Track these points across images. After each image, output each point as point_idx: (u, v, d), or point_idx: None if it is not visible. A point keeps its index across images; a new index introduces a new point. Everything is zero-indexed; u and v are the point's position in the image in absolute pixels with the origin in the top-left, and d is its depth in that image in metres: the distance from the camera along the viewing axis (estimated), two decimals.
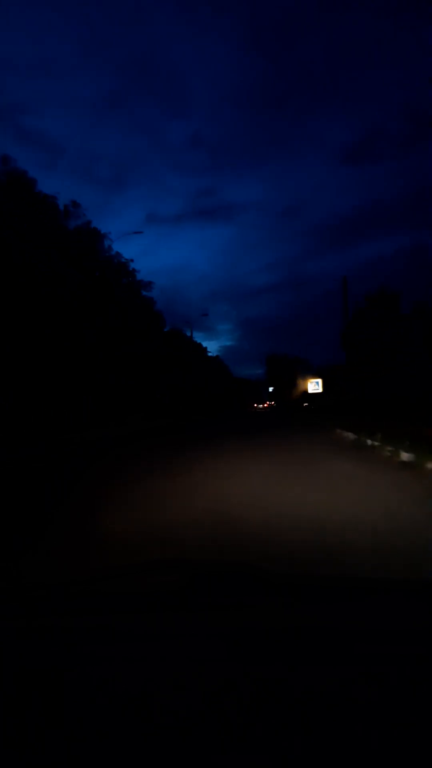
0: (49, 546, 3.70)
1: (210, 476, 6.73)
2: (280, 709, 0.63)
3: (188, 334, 48.44)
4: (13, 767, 0.57)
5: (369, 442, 10.10)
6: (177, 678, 0.72)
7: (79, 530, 4.13)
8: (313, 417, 27.26)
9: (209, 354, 72.71)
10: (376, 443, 9.59)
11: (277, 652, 0.79)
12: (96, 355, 23.61)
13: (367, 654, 0.77)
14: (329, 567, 2.87)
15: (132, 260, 34.20)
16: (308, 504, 4.70)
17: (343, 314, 24.41)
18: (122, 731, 0.60)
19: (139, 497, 5.46)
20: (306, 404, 50.42)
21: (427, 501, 4.86)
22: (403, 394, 22.90)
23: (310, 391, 40.43)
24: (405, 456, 7.59)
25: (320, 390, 39.08)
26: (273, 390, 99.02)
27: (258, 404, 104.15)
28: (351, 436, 12.33)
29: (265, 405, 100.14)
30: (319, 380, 39.58)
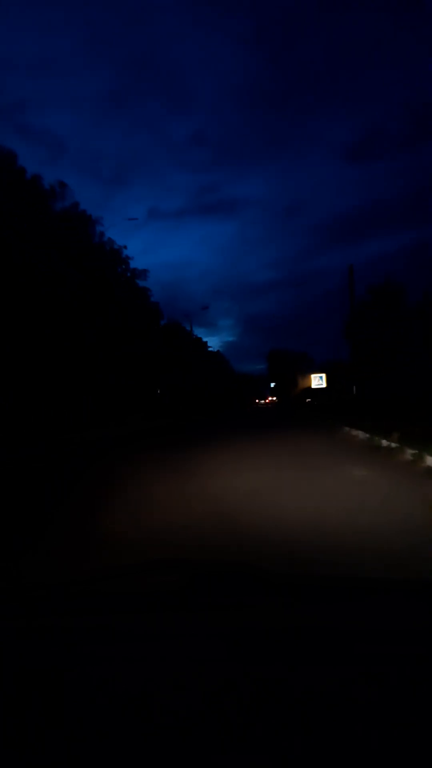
0: (49, 546, 3.70)
1: (210, 477, 6.72)
2: (280, 709, 0.63)
3: (188, 328, 46.92)
4: (13, 767, 0.57)
5: (384, 443, 8.97)
6: (177, 678, 0.72)
7: (79, 530, 4.14)
8: (316, 414, 25.78)
9: (210, 349, 71.03)
10: (393, 445, 8.49)
11: (277, 652, 0.79)
12: (96, 355, 23.60)
13: (367, 654, 0.77)
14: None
15: (125, 247, 31.56)
16: (324, 525, 3.71)
17: (350, 305, 23.20)
18: (122, 731, 0.60)
19: (139, 497, 5.46)
20: (309, 400, 49.47)
21: None
22: (409, 391, 22.18)
23: (313, 386, 38.68)
24: None
25: (324, 385, 37.30)
26: (275, 386, 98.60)
27: (260, 400, 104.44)
28: (362, 435, 11.15)
29: (268, 401, 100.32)
30: (323, 375, 37.77)
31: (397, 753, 0.56)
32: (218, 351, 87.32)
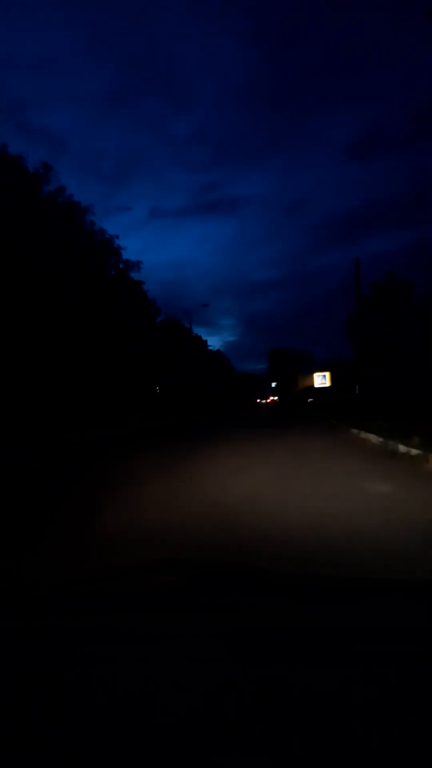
0: (49, 546, 3.70)
1: (209, 481, 6.72)
2: (280, 709, 0.63)
3: (187, 325, 45.40)
4: (13, 767, 0.57)
5: (402, 448, 7.72)
6: (177, 678, 0.72)
7: (79, 530, 4.13)
8: (320, 414, 24.73)
9: (210, 348, 69.73)
10: (413, 451, 7.23)
11: (277, 652, 0.79)
12: (96, 355, 23.60)
13: (367, 654, 0.77)
14: None
15: (117, 236, 29.33)
16: (342, 558, 2.94)
17: (355, 301, 22.04)
18: (122, 731, 0.60)
19: (139, 497, 5.46)
20: (311, 400, 48.03)
21: None
22: (414, 390, 21.30)
23: (316, 385, 36.63)
24: None
25: (328, 384, 35.46)
26: (276, 385, 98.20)
27: (261, 399, 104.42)
28: (373, 439, 9.94)
29: (269, 400, 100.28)
30: (327, 373, 35.78)
31: (397, 753, 0.56)
32: (218, 350, 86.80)
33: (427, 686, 0.68)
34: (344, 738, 0.58)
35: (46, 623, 0.96)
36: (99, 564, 3.12)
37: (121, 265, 30.48)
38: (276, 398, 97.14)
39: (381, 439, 9.29)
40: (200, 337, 62.57)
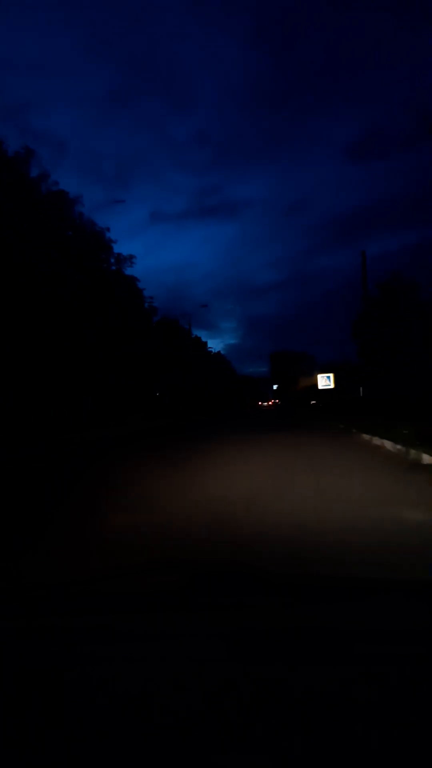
0: (49, 546, 3.70)
1: (209, 480, 6.73)
2: (280, 709, 0.63)
3: (186, 327, 44.45)
4: (13, 767, 0.57)
5: (428, 458, 6.76)
6: (177, 678, 0.72)
7: (79, 530, 4.14)
8: (324, 417, 23.50)
9: (210, 349, 69.18)
10: None
11: (277, 652, 0.79)
12: (96, 355, 23.60)
13: (367, 654, 0.77)
14: None
15: (108, 229, 27.21)
16: None
17: (362, 297, 21.05)
18: (122, 731, 0.60)
19: (139, 497, 5.46)
20: (314, 402, 47.28)
21: None
22: (420, 391, 20.19)
23: (320, 386, 35.04)
24: None
25: (332, 386, 34.04)
26: (278, 387, 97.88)
27: (263, 402, 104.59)
28: (388, 446, 8.83)
29: (270, 403, 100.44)
30: (331, 375, 34.36)
31: (397, 753, 0.56)
32: (219, 352, 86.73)
33: (427, 686, 0.68)
34: (344, 738, 0.58)
35: (46, 623, 0.96)
36: (99, 564, 3.12)
37: (112, 260, 28.61)
38: (277, 401, 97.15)
39: (398, 447, 8.20)
40: (200, 338, 62.20)
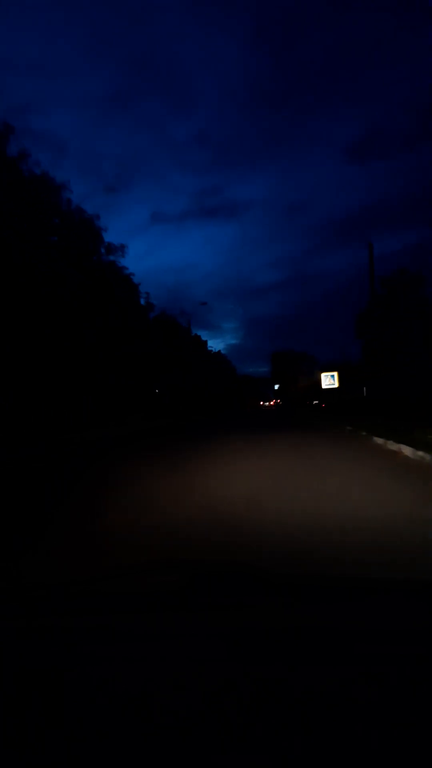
0: (49, 546, 3.70)
1: (210, 474, 6.72)
2: (280, 709, 0.63)
3: (185, 325, 43.18)
4: (13, 767, 0.57)
5: None
6: (177, 678, 0.72)
7: (79, 530, 4.14)
8: (328, 418, 22.34)
9: (210, 349, 67.89)
10: None
11: (277, 652, 0.79)
12: (96, 355, 23.58)
13: (367, 654, 0.77)
14: None
15: (98, 216, 25.28)
16: None
17: (369, 289, 19.90)
18: (122, 731, 0.60)
19: (139, 498, 5.46)
20: (316, 402, 46.06)
21: None
22: (428, 390, 19.40)
23: (324, 386, 33.49)
24: None
25: (336, 385, 32.60)
26: (279, 387, 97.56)
27: (264, 402, 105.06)
28: (406, 451, 7.76)
29: (272, 403, 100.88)
30: (335, 374, 32.96)
31: (397, 753, 0.56)
32: (219, 351, 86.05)
33: (427, 686, 0.68)
34: (344, 738, 0.58)
35: (46, 623, 0.96)
36: (99, 564, 3.12)
37: (102, 249, 26.41)
38: (279, 400, 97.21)
39: (420, 453, 7.21)
40: (200, 337, 61.00)
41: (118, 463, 9.38)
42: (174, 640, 0.86)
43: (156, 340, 33.45)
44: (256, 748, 0.57)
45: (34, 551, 3.57)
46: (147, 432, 19.03)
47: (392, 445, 8.77)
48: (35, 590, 1.23)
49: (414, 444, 7.96)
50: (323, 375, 33.64)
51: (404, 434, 9.36)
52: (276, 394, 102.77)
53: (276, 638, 0.84)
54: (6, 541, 4.01)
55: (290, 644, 0.82)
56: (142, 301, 32.98)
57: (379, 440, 9.78)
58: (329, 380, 32.98)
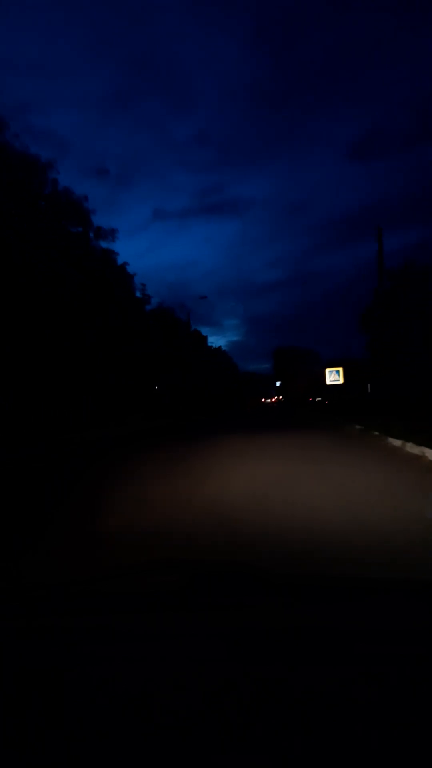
0: (49, 546, 3.70)
1: (210, 475, 6.72)
2: (280, 709, 0.63)
3: (184, 318, 41.92)
4: (13, 767, 0.57)
5: None
6: (177, 678, 0.72)
7: (79, 530, 4.14)
8: (334, 416, 21.08)
9: (210, 344, 66.27)
10: None
11: (277, 652, 0.79)
12: (96, 355, 23.56)
13: (367, 654, 0.77)
14: None
15: (86, 198, 23.45)
16: None
17: (378, 276, 18.78)
18: (122, 731, 0.60)
19: (139, 498, 5.46)
20: (319, 399, 44.79)
21: None
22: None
23: (328, 382, 31.79)
24: None
25: (341, 381, 31.06)
26: (281, 384, 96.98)
27: (266, 399, 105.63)
28: (431, 455, 6.96)
29: (273, 400, 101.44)
30: (340, 369, 31.48)
31: (397, 753, 0.56)
32: (219, 347, 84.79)
33: (427, 686, 0.68)
34: (344, 738, 0.58)
35: (46, 623, 0.96)
36: (99, 564, 3.12)
37: (91, 234, 24.72)
38: (281, 397, 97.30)
39: None
40: (200, 332, 58.50)
41: (118, 463, 9.38)
42: (174, 640, 0.86)
43: (156, 340, 33.33)
44: (256, 748, 0.57)
45: (34, 551, 3.57)
46: (147, 432, 19.03)
47: (413, 448, 7.65)
48: (35, 590, 1.23)
49: (424, 442, 7.21)
50: (328, 370, 32.31)
51: (423, 435, 8.33)
52: (278, 391, 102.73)
53: (276, 638, 0.84)
54: (6, 541, 4.01)
55: (290, 644, 0.82)
56: (138, 294, 31.69)
57: (396, 442, 8.74)
58: (334, 376, 31.65)
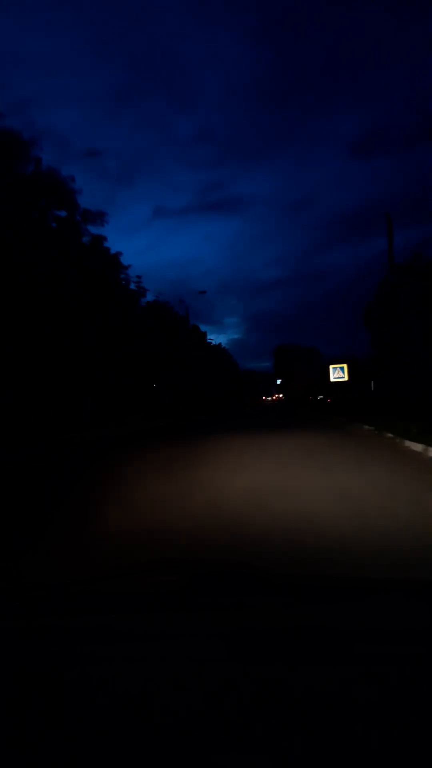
0: (49, 546, 3.70)
1: (211, 477, 6.72)
2: (280, 709, 0.63)
3: (182, 314, 40.89)
4: (13, 767, 0.57)
5: None
6: (177, 678, 0.72)
7: (79, 530, 4.14)
8: (339, 416, 20.43)
9: (210, 341, 64.04)
10: None
11: (277, 652, 0.79)
12: (96, 355, 23.55)
13: (367, 654, 0.77)
14: None
15: (73, 178, 21.96)
16: None
17: (388, 264, 17.92)
18: (122, 731, 0.60)
19: (139, 497, 5.46)
20: (321, 397, 43.93)
21: None
22: None
23: (332, 379, 30.44)
24: None
25: (345, 378, 29.71)
26: (281, 382, 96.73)
27: (267, 397, 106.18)
28: None
29: (274, 398, 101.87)
30: (344, 366, 30.02)
31: (397, 753, 0.56)
32: (219, 344, 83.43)
33: (427, 686, 0.68)
34: (344, 738, 0.58)
35: (46, 623, 0.96)
36: (99, 564, 3.12)
37: (78, 217, 23.09)
38: (281, 396, 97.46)
39: None
40: (198, 328, 56.23)
41: (118, 464, 9.38)
42: (174, 640, 0.86)
43: (156, 340, 33.27)
44: (256, 748, 0.57)
45: (34, 551, 3.58)
46: (147, 432, 19.03)
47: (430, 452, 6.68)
48: (35, 590, 1.23)
49: None
50: (332, 367, 30.78)
51: (425, 433, 7.60)
52: (279, 389, 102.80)
53: (276, 638, 0.84)
54: (6, 541, 4.01)
55: (290, 644, 0.82)
56: (133, 286, 30.44)
57: (417, 446, 7.58)
58: (338, 373, 29.84)
